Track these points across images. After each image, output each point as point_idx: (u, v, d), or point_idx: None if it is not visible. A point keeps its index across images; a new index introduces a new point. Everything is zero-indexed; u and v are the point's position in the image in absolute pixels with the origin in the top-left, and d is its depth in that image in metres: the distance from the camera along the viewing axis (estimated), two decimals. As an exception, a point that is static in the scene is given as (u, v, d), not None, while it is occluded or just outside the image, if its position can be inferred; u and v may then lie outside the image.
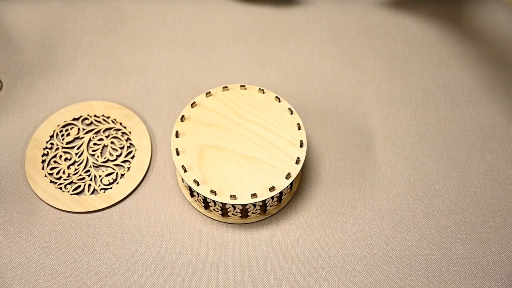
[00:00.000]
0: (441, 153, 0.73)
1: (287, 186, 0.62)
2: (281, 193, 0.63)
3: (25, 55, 0.80)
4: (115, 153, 0.71)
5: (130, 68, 0.80)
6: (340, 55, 0.82)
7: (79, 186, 0.69)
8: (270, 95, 0.68)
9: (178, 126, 0.65)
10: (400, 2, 0.87)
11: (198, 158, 0.63)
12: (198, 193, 0.62)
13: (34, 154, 0.71)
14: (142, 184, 0.70)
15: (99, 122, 0.74)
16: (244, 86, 0.68)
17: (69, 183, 0.69)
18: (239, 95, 0.68)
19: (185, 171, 0.62)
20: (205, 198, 0.63)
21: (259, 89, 0.68)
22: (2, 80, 0.78)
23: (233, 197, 0.60)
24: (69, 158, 0.71)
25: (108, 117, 0.74)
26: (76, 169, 0.70)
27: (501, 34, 0.84)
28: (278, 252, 0.65)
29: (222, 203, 0.62)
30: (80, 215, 0.67)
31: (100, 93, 0.77)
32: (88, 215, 0.67)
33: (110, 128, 0.74)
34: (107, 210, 0.68)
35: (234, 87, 0.68)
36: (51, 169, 0.70)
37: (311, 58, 0.81)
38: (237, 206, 0.63)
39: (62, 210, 0.67)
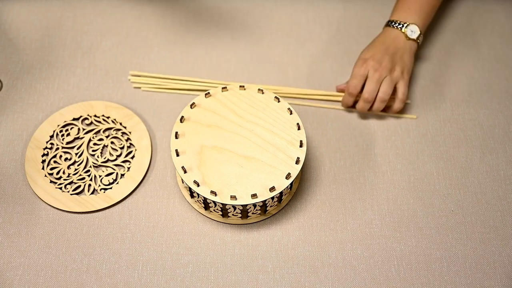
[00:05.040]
0: (441, 153, 0.73)
1: (287, 186, 0.62)
2: (281, 193, 0.63)
3: (25, 55, 0.80)
4: (115, 153, 0.71)
5: (130, 68, 0.80)
6: (340, 55, 0.82)
7: (79, 186, 0.69)
8: (269, 95, 0.67)
9: (178, 127, 0.65)
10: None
11: (198, 159, 0.63)
12: (198, 194, 0.62)
13: (34, 154, 0.71)
14: (142, 184, 0.70)
15: (99, 122, 0.74)
16: (243, 86, 0.68)
17: (69, 183, 0.69)
18: (238, 96, 0.67)
19: (185, 172, 0.62)
20: (205, 199, 0.63)
21: (258, 89, 0.68)
22: (2, 80, 0.78)
23: (233, 197, 0.60)
24: (69, 158, 0.71)
25: (108, 117, 0.74)
26: (76, 169, 0.70)
27: (501, 34, 0.84)
28: (278, 252, 0.65)
29: (222, 204, 0.62)
30: (80, 215, 0.67)
31: (100, 93, 0.77)
32: (88, 215, 0.68)
33: (110, 128, 0.74)
34: (107, 210, 0.68)
35: (233, 88, 0.68)
36: (51, 169, 0.70)
37: (311, 58, 0.81)
38: (237, 207, 0.63)
39: (62, 210, 0.68)
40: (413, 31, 0.73)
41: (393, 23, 0.74)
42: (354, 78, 0.72)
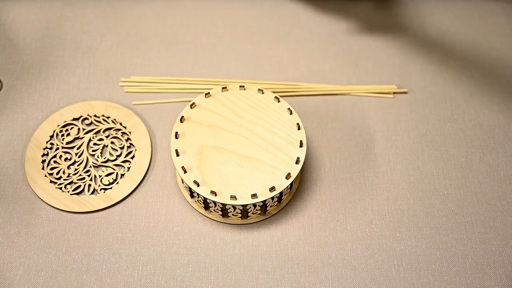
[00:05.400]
0: (441, 153, 0.73)
1: (287, 186, 0.62)
2: (281, 193, 0.63)
3: (25, 55, 0.80)
4: (115, 153, 0.71)
5: (130, 68, 0.80)
6: (341, 55, 0.82)
7: (79, 186, 0.69)
8: (269, 95, 0.67)
9: (178, 127, 0.65)
10: (402, 1, 0.87)
11: (198, 159, 0.63)
12: (198, 194, 0.62)
13: (34, 154, 0.71)
14: (142, 184, 0.70)
15: (99, 122, 0.74)
16: (243, 86, 0.68)
17: (69, 183, 0.69)
18: (238, 96, 0.67)
19: (185, 172, 0.62)
20: (205, 199, 0.63)
21: (258, 89, 0.68)
22: (2, 80, 0.78)
23: (233, 197, 0.60)
24: (69, 158, 0.71)
25: (108, 117, 0.74)
26: (76, 169, 0.70)
27: (500, 34, 0.84)
28: (278, 252, 0.65)
29: (222, 204, 0.62)
30: (80, 215, 0.67)
31: (100, 93, 0.77)
32: (88, 215, 0.68)
33: (110, 128, 0.74)
34: (107, 210, 0.68)
35: (233, 88, 0.68)
36: (51, 169, 0.70)
37: (311, 58, 0.81)
38: (237, 207, 0.63)
39: (62, 210, 0.68)
40: None
41: None
42: None
